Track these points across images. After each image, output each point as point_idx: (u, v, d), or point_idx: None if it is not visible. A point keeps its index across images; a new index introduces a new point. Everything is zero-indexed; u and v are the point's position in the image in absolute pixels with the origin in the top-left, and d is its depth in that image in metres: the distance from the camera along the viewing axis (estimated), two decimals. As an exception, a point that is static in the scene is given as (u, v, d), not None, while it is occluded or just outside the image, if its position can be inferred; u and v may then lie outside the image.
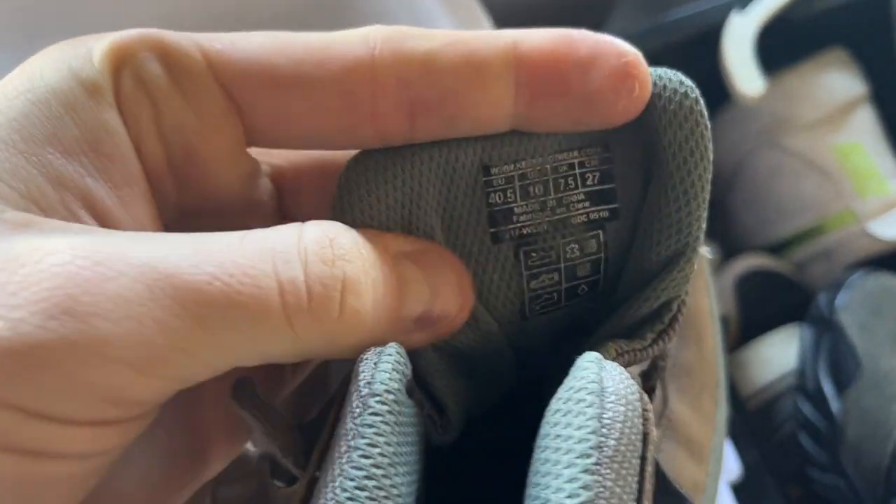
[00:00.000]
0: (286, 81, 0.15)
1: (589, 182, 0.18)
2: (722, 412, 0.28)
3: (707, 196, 0.17)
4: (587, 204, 0.18)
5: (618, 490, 0.13)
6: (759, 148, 0.51)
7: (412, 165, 0.17)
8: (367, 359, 0.15)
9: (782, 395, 0.45)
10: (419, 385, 0.18)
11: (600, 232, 0.18)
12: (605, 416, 0.13)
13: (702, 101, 0.17)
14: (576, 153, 0.18)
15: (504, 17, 0.41)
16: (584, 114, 0.16)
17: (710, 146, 0.17)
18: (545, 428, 0.14)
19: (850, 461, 0.39)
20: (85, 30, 0.43)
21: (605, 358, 0.16)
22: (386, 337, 0.16)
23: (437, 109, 0.16)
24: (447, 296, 0.17)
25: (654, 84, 0.17)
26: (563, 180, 0.18)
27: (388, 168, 0.17)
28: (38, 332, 0.11)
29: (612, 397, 0.13)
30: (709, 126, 0.17)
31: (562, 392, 0.14)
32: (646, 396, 0.14)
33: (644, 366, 0.19)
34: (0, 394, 0.11)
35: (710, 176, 0.17)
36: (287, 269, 0.14)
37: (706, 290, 0.30)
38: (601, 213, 0.18)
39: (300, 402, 0.25)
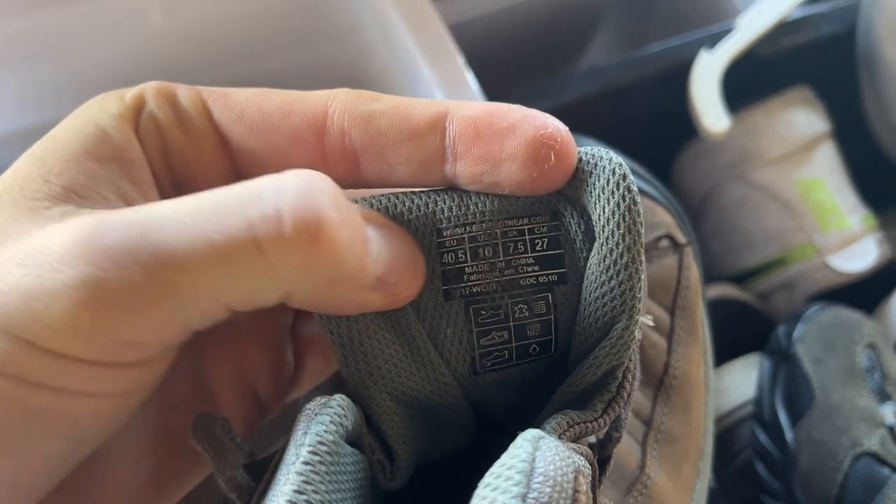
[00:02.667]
0: (257, 128, 0.19)
1: (538, 247, 0.19)
2: (703, 483, 0.29)
3: (641, 266, 0.18)
4: (536, 268, 0.19)
5: None
6: (727, 180, 0.52)
7: None
8: (307, 409, 0.17)
9: (742, 422, 0.46)
10: (373, 430, 0.19)
11: (549, 294, 0.19)
12: (529, 495, 0.14)
13: (629, 176, 0.18)
14: (525, 220, 0.19)
15: (482, 54, 0.42)
16: (501, 179, 0.18)
17: (639, 218, 0.18)
18: (474, 500, 0.14)
19: (802, 490, 0.40)
20: (80, 56, 0.44)
21: (556, 430, 0.17)
22: (350, 287, 0.17)
23: (377, 159, 0.18)
24: (403, 266, 0.18)
25: (585, 161, 0.18)
26: (511, 244, 0.19)
27: None
28: (49, 283, 0.14)
29: (540, 478, 0.14)
30: (637, 200, 0.18)
31: (494, 467, 0.15)
32: (583, 478, 0.15)
33: (601, 434, 0.19)
34: (7, 324, 0.14)
35: (640, 247, 0.18)
36: (259, 205, 0.15)
37: (702, 361, 0.30)
38: (550, 277, 0.19)
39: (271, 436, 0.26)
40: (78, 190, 0.17)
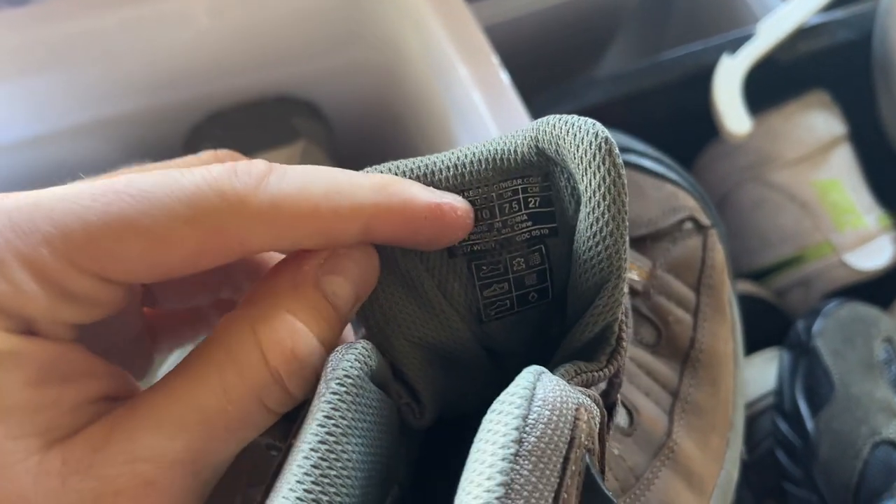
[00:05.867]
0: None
1: (531, 205, 0.21)
2: (734, 453, 0.30)
3: (625, 231, 0.19)
4: (529, 223, 0.21)
5: (534, 479, 0.15)
6: (745, 181, 0.54)
7: None
8: (337, 350, 0.18)
9: (762, 413, 0.47)
10: (398, 378, 0.21)
11: (542, 246, 0.21)
12: (529, 416, 0.15)
13: (615, 150, 0.19)
14: (519, 181, 0.20)
15: (509, 56, 0.44)
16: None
17: (624, 189, 0.19)
18: (483, 424, 0.16)
19: (822, 477, 0.41)
20: (128, 58, 0.46)
21: (565, 376, 0.19)
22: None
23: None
24: (366, 275, 0.20)
25: (572, 134, 0.19)
26: (507, 205, 0.21)
27: None
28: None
29: (539, 402, 0.16)
30: (622, 172, 0.19)
31: (501, 396, 0.16)
32: (584, 410, 0.16)
33: (603, 386, 0.21)
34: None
35: (625, 215, 0.19)
36: (272, 397, 0.18)
37: (730, 337, 0.32)
38: (542, 231, 0.21)
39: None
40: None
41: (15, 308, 0.16)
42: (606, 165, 0.19)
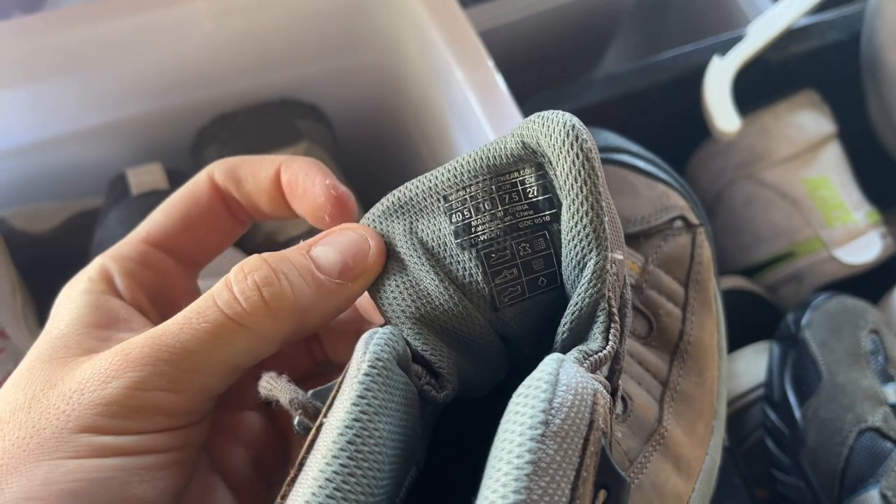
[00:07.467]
0: (186, 230, 0.26)
1: (531, 195, 0.22)
2: (717, 440, 0.31)
3: (601, 213, 0.20)
4: (531, 212, 0.22)
5: (558, 458, 0.16)
6: (738, 179, 0.55)
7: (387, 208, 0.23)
8: (365, 336, 0.20)
9: (754, 404, 0.49)
10: (418, 360, 0.22)
11: (546, 232, 0.22)
12: (555, 400, 0.16)
13: (583, 136, 0.20)
14: (515, 174, 0.22)
15: (507, 59, 0.46)
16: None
17: (595, 173, 0.20)
18: (510, 406, 0.17)
19: (810, 464, 0.43)
20: (137, 62, 0.47)
21: (574, 362, 0.20)
22: (322, 299, 0.22)
23: (255, 210, 0.27)
24: (356, 247, 0.23)
25: (546, 126, 0.21)
26: (507, 195, 0.22)
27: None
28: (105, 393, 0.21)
29: (563, 387, 0.17)
30: (590, 156, 0.20)
31: (526, 381, 0.17)
32: (600, 395, 0.17)
33: (605, 371, 0.22)
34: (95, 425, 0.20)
35: (598, 197, 0.20)
36: (221, 297, 0.22)
37: (715, 330, 0.33)
38: (544, 218, 0.22)
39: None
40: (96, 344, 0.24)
41: (99, 271, 0.25)
42: (574, 149, 0.20)
